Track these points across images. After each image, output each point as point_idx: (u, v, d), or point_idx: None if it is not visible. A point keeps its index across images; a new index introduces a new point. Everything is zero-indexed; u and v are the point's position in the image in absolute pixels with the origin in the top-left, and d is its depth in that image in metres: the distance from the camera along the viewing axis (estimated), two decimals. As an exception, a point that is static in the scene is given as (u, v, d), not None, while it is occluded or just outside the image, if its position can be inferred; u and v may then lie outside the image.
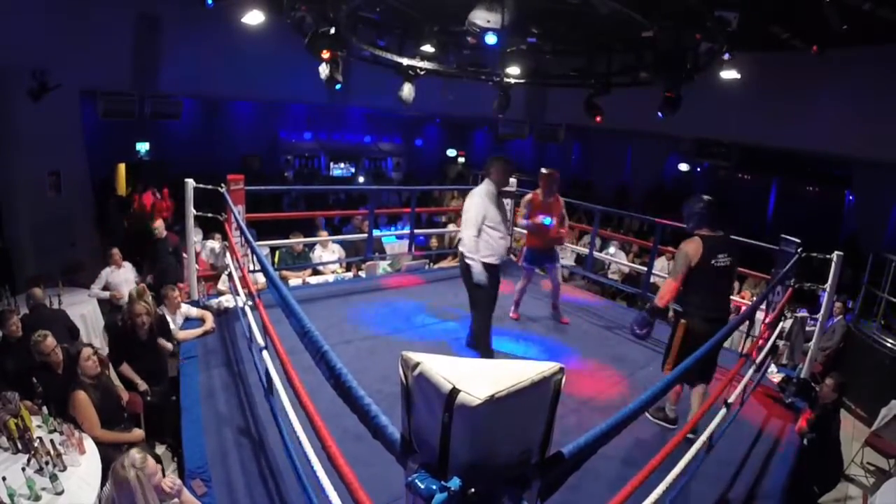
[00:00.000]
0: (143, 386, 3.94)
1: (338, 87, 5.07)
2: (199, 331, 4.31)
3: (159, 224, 6.12)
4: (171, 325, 4.32)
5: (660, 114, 4.93)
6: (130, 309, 3.89)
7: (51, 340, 3.57)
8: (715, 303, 3.26)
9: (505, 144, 15.84)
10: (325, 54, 4.70)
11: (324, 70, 4.91)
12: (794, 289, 4.31)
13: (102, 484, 2.74)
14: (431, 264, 7.51)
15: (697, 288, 3.17)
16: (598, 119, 5.72)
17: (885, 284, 5.93)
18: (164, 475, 2.40)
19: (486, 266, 3.74)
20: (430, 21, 5.14)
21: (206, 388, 3.58)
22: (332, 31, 4.48)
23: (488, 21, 3.20)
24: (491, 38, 3.31)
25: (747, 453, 3.26)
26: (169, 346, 4.13)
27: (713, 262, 3.15)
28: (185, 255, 6.62)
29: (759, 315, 4.36)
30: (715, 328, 2.76)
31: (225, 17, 6.09)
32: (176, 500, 2.35)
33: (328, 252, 6.75)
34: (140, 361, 4.03)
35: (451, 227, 8.02)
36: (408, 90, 5.60)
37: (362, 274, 6.67)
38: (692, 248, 3.16)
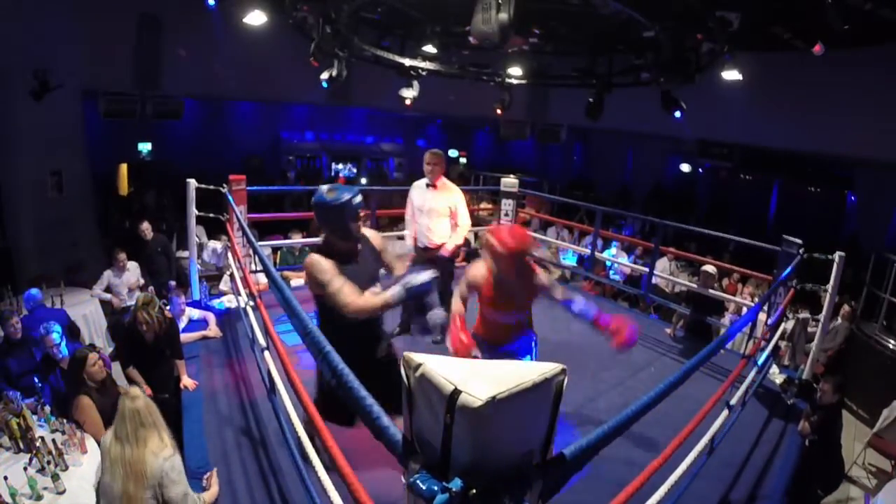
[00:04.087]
0: (147, 392, 3.81)
1: (324, 84, 5.08)
2: (198, 334, 4.27)
3: (146, 226, 6.09)
4: None
5: (678, 114, 4.93)
6: (134, 316, 3.68)
7: (55, 336, 3.62)
8: None
9: (506, 145, 15.85)
10: (315, 64, 4.76)
11: (326, 74, 4.93)
12: (795, 290, 4.31)
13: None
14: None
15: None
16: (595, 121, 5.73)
17: (887, 285, 5.92)
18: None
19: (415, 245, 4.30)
20: (431, 21, 5.14)
21: (207, 387, 3.59)
22: (333, 34, 4.50)
23: (486, 39, 3.20)
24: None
25: (749, 454, 3.26)
26: (184, 373, 3.72)
27: None
28: (180, 253, 6.67)
29: (761, 316, 4.36)
30: None
31: (226, 18, 6.10)
32: None
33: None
34: (146, 367, 3.80)
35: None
36: (409, 91, 5.61)
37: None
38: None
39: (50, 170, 7.15)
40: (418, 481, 0.96)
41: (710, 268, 5.28)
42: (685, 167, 13.49)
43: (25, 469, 2.72)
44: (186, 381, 3.63)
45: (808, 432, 3.54)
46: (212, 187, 4.78)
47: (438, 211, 4.12)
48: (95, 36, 7.15)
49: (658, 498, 2.02)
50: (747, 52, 6.53)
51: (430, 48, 5.27)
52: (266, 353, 2.86)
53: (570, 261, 7.98)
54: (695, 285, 5.38)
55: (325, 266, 2.23)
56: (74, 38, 6.93)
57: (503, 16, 3.12)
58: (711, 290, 5.21)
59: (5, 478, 2.61)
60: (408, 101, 5.62)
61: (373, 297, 2.26)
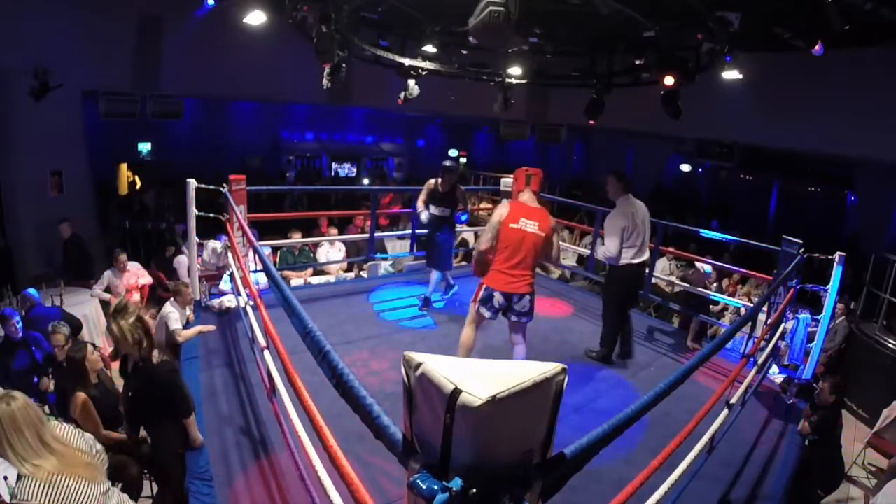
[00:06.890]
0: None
1: (325, 86, 5.08)
2: (196, 329, 4.20)
3: (64, 226, 6.14)
4: (177, 325, 4.11)
5: (677, 119, 4.95)
6: (109, 329, 2.92)
7: (60, 336, 3.70)
8: None
9: (506, 145, 15.84)
10: (325, 66, 4.78)
11: (326, 80, 4.92)
12: (795, 290, 4.30)
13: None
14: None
15: None
16: (592, 122, 5.74)
17: (887, 285, 5.92)
18: None
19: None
20: (431, 21, 5.14)
21: (207, 388, 3.58)
22: (332, 34, 4.49)
23: (486, 40, 3.20)
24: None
25: (749, 454, 3.26)
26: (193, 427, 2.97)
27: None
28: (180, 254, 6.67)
29: (761, 316, 4.36)
30: None
31: (226, 17, 6.10)
32: None
33: (335, 250, 6.75)
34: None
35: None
36: (409, 90, 5.61)
37: (364, 274, 6.67)
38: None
39: (50, 170, 7.16)
40: (418, 481, 0.96)
41: (702, 266, 5.39)
42: (685, 167, 13.47)
43: (25, 469, 2.71)
44: (194, 436, 2.94)
45: (807, 432, 3.54)
46: (212, 187, 4.78)
47: None
48: (95, 36, 7.14)
49: (658, 497, 2.02)
50: (747, 52, 6.53)
51: (430, 48, 5.27)
52: (266, 352, 2.85)
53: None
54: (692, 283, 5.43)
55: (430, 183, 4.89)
56: (74, 38, 6.92)
57: (506, 17, 3.11)
58: (703, 290, 5.26)
59: (5, 478, 2.60)
60: (399, 100, 5.62)
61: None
